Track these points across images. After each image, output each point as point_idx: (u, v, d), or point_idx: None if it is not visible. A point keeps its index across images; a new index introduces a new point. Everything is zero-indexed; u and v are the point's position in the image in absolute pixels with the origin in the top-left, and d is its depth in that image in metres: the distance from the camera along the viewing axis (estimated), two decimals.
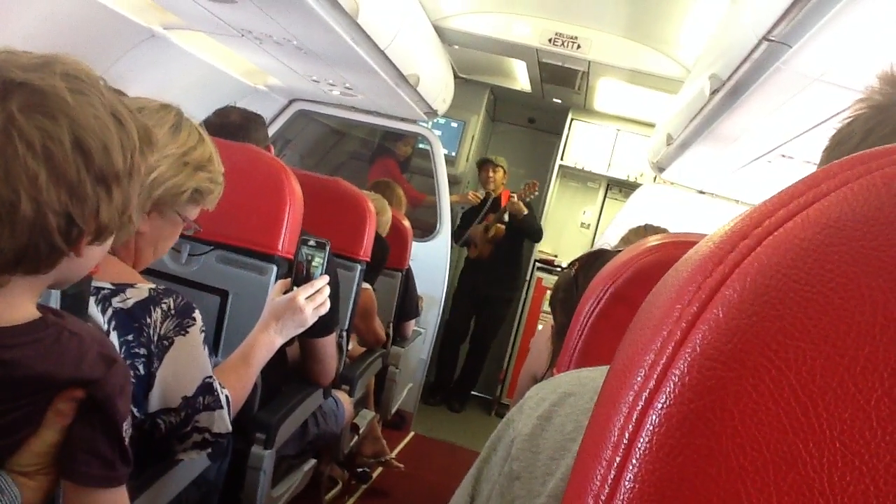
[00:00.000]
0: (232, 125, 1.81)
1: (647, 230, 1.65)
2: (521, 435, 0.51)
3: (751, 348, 0.22)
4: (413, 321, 3.33)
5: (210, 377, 1.16)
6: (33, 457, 0.72)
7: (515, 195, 4.34)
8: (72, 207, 0.70)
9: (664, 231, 1.58)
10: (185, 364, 1.12)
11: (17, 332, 0.71)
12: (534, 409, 0.53)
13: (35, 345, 0.71)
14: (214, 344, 1.58)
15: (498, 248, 4.49)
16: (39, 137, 0.67)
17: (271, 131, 3.62)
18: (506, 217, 4.38)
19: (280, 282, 1.54)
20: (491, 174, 4.46)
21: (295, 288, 1.50)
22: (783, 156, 2.35)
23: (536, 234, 4.53)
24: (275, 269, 1.58)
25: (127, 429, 0.80)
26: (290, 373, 1.81)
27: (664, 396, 0.23)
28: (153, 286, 1.12)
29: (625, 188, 4.89)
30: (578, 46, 3.31)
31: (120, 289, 1.08)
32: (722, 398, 0.22)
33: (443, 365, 4.71)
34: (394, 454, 3.15)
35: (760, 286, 0.23)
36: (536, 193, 4.41)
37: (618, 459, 0.23)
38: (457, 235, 4.48)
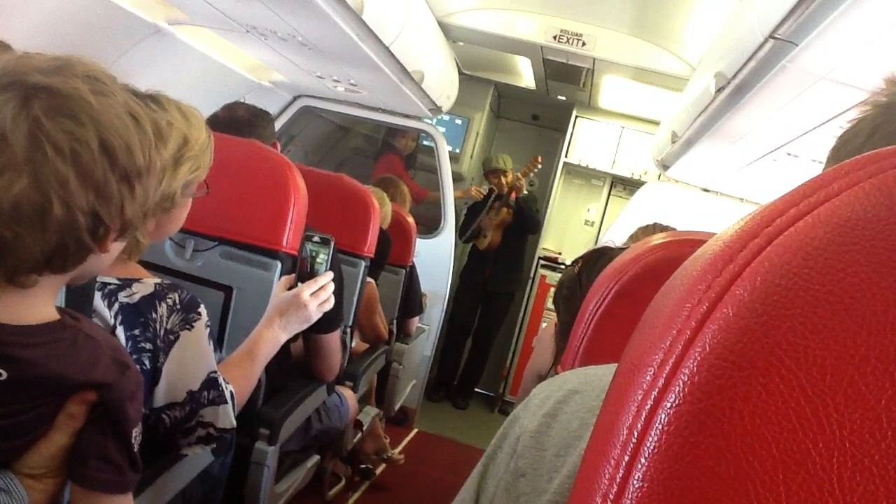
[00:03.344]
0: (240, 121, 1.82)
1: (657, 228, 1.64)
2: (526, 432, 0.51)
3: (761, 347, 0.22)
4: (417, 318, 3.33)
5: (215, 372, 1.17)
6: (42, 459, 0.72)
7: (519, 173, 4.36)
8: (98, 207, 0.70)
9: (673, 230, 1.58)
10: (191, 359, 1.12)
11: (35, 332, 0.71)
12: (539, 406, 0.53)
13: (52, 345, 0.72)
14: (219, 340, 1.58)
15: (505, 241, 4.51)
16: (67, 141, 0.67)
17: (276, 127, 3.62)
18: (511, 202, 4.42)
19: (284, 278, 1.54)
20: (503, 181, 4.46)
21: (299, 284, 1.50)
22: (789, 154, 2.34)
23: (534, 225, 4.53)
24: (279, 265, 1.58)
25: (136, 436, 0.80)
26: (294, 369, 1.81)
27: (673, 395, 0.23)
28: (159, 281, 1.13)
29: (629, 186, 4.87)
30: (583, 44, 3.30)
31: (126, 283, 1.09)
32: (731, 397, 0.22)
33: (447, 360, 4.71)
34: (397, 450, 3.15)
35: (771, 285, 0.23)
36: (540, 167, 4.40)
37: (626, 458, 0.23)
38: (463, 229, 4.48)
